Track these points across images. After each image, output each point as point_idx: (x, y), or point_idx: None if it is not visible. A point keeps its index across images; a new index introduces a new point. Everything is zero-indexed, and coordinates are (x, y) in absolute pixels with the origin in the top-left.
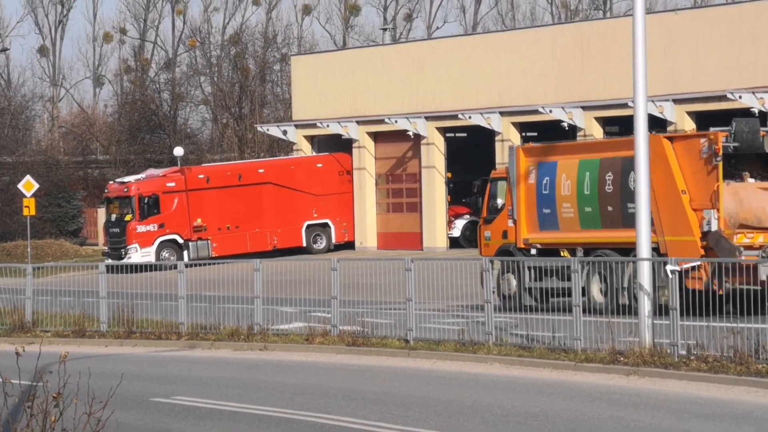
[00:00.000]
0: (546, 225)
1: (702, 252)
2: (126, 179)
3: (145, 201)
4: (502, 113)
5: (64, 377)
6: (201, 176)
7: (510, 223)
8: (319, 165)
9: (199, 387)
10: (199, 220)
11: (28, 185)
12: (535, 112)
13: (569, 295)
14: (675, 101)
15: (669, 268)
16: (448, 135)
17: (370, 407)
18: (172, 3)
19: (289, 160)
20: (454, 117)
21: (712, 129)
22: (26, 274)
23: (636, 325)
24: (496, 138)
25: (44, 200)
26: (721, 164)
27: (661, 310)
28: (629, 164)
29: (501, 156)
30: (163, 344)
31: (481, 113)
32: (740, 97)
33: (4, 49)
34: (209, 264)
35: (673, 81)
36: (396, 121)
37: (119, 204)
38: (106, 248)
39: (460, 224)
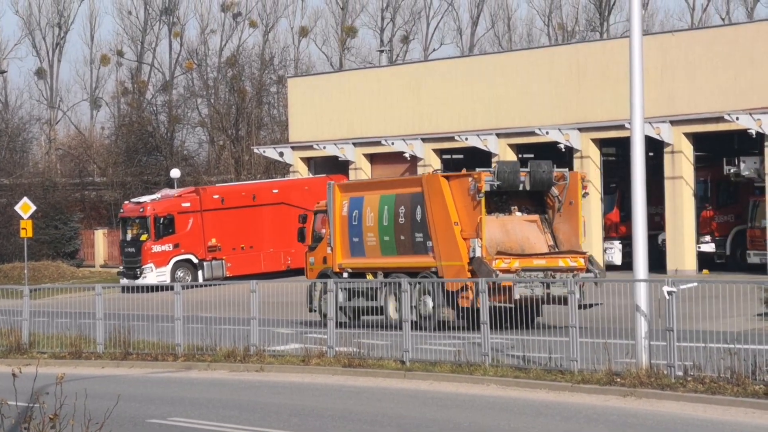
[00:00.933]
0: (355, 252)
1: (469, 275)
2: (141, 199)
3: (161, 221)
4: (498, 135)
5: (60, 398)
6: (216, 196)
7: (329, 250)
8: None
9: (195, 408)
10: (213, 240)
11: (25, 207)
12: (532, 133)
13: (374, 313)
14: (672, 122)
15: (666, 289)
16: (444, 157)
17: (367, 428)
18: (169, 25)
19: (302, 180)
20: (451, 139)
21: (477, 170)
22: (23, 295)
23: (633, 346)
24: (493, 159)
25: (41, 222)
26: (484, 200)
27: (442, 325)
28: (417, 199)
29: None
30: (159, 365)
31: (478, 135)
32: (737, 118)
33: (2, 72)
34: (213, 285)
35: (670, 102)
36: (392, 143)
37: (134, 224)
38: (122, 267)
39: None
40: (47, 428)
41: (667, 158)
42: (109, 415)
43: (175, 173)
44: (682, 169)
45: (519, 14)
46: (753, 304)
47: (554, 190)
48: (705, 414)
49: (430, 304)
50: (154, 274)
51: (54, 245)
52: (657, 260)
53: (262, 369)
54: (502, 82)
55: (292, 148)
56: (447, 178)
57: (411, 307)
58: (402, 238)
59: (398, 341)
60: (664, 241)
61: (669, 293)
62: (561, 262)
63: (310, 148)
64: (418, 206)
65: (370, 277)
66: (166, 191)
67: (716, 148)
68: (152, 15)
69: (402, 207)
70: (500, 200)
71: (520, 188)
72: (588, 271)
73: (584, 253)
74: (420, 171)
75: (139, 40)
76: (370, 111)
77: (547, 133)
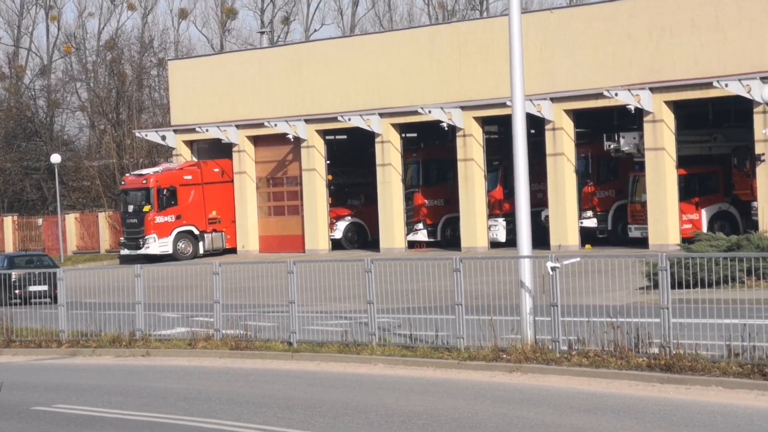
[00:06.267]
0: None
1: None
2: (143, 171)
3: (164, 192)
4: (381, 115)
5: None
6: (216, 170)
7: None
8: None
9: (80, 395)
10: (214, 213)
11: None
12: (415, 113)
13: None
14: (553, 100)
15: (549, 264)
16: (328, 138)
17: (255, 410)
18: (46, 9)
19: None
20: (334, 119)
21: None
22: None
23: (518, 323)
24: (377, 140)
25: None
26: None
27: None
28: None
29: (381, 158)
30: (43, 353)
31: (361, 115)
32: (616, 94)
33: None
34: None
35: (551, 79)
36: (275, 125)
37: (136, 195)
38: (122, 239)
39: (341, 226)
40: None
41: (548, 135)
42: None
43: (55, 158)
44: (563, 145)
45: None
46: (635, 278)
47: None
48: (590, 387)
49: None
50: (156, 245)
51: None
52: (540, 236)
53: (149, 354)
54: (384, 62)
55: (175, 131)
56: None
57: None
58: None
59: (286, 322)
60: (547, 217)
61: (552, 269)
62: None
63: (193, 131)
64: None
65: None
66: (167, 164)
67: (596, 124)
68: None
69: None
70: None
71: None
72: None
73: None
74: (304, 152)
75: (16, 24)
76: (252, 93)
77: (429, 112)
